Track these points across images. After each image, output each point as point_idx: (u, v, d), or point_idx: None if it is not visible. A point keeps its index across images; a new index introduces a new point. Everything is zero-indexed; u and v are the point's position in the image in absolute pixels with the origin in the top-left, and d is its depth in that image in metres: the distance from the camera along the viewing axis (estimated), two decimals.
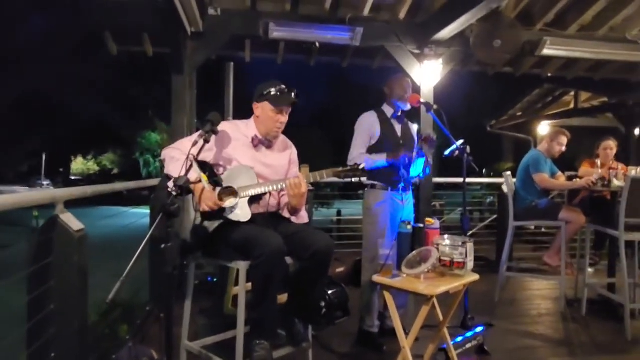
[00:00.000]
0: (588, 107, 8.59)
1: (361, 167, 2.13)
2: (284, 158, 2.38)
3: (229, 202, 2.07)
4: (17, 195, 1.64)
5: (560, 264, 3.53)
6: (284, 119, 2.26)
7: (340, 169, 2.15)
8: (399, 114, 2.88)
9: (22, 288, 1.73)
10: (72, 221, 1.75)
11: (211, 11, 3.95)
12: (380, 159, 2.70)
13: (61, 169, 36.08)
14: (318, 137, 25.62)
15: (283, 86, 2.25)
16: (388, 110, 2.89)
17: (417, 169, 2.84)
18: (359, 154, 2.74)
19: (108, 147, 33.02)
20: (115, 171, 34.05)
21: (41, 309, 1.66)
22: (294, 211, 2.28)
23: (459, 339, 2.57)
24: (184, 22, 3.62)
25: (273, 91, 2.23)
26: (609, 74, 5.71)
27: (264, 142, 2.29)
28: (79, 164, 36.32)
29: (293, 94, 2.25)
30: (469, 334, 2.66)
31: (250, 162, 2.21)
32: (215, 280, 3.82)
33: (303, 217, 2.35)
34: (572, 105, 8.73)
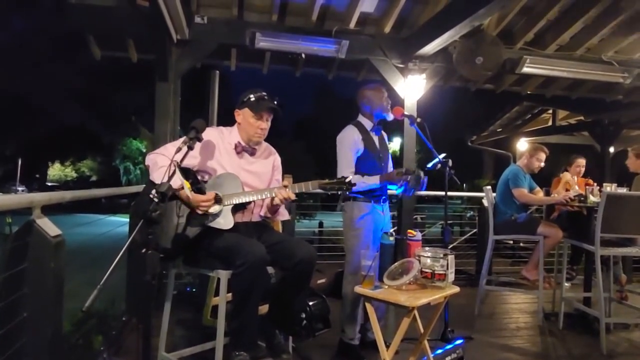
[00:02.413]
0: (565, 125, 8.85)
1: (347, 180, 2.13)
2: (267, 165, 2.38)
3: (212, 209, 2.05)
4: None
5: (538, 278, 3.58)
6: (265, 125, 2.27)
7: (326, 180, 2.15)
8: (377, 125, 2.87)
9: None
10: (49, 226, 1.70)
11: (198, 19, 3.94)
12: (374, 182, 2.67)
13: (37, 175, 35.16)
14: (301, 147, 25.66)
15: (263, 93, 2.28)
16: (366, 122, 2.85)
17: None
18: (349, 174, 2.65)
19: (87, 154, 32.33)
20: (94, 178, 33.34)
21: (13, 317, 1.60)
22: (275, 210, 2.28)
23: (439, 351, 2.57)
24: (170, 29, 3.61)
25: (252, 97, 2.26)
26: (585, 93, 5.90)
27: (247, 149, 2.29)
28: (56, 170, 35.42)
29: (273, 101, 2.26)
30: (448, 347, 2.66)
31: (233, 169, 2.20)
32: (194, 290, 3.76)
33: (284, 214, 2.38)
34: (550, 123, 8.98)
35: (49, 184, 33.88)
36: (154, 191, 1.65)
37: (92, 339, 2.73)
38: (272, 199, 2.16)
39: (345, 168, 2.72)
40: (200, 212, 2.02)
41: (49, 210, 1.83)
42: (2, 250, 1.69)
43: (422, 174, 2.68)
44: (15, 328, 1.60)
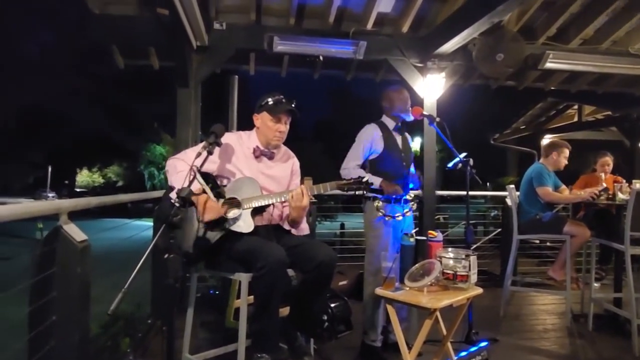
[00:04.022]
0: (592, 120, 8.60)
1: (365, 179, 2.13)
2: (285, 169, 2.39)
3: (232, 213, 2.08)
4: (22, 205, 1.64)
5: (565, 278, 3.49)
6: (283, 128, 2.28)
7: (344, 181, 2.16)
8: (400, 125, 2.89)
9: (24, 299, 1.72)
10: (75, 232, 1.75)
11: (216, 25, 4.00)
12: (375, 182, 2.69)
13: (66, 181, 36.27)
14: (320, 149, 25.68)
15: (281, 96, 2.29)
16: (389, 122, 2.89)
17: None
18: (353, 166, 2.74)
19: (113, 160, 33.19)
20: (120, 183, 34.18)
21: (43, 320, 1.65)
22: (294, 223, 2.27)
23: (463, 354, 2.53)
24: (190, 36, 3.67)
25: (270, 101, 2.27)
26: (612, 87, 5.72)
27: (265, 153, 2.30)
28: (84, 176, 36.48)
29: (291, 103, 2.27)
30: (473, 349, 2.62)
31: (252, 173, 2.22)
32: (217, 293, 3.81)
33: (303, 229, 2.36)
34: (575, 119, 8.74)
35: (78, 189, 34.91)
36: (174, 196, 1.68)
37: (120, 341, 2.79)
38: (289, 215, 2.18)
39: (351, 160, 2.77)
40: (204, 219, 2.00)
41: (77, 215, 1.88)
42: (32, 255, 1.75)
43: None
44: (45, 331, 1.65)
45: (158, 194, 3.70)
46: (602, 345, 3.14)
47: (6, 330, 1.75)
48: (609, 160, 4.28)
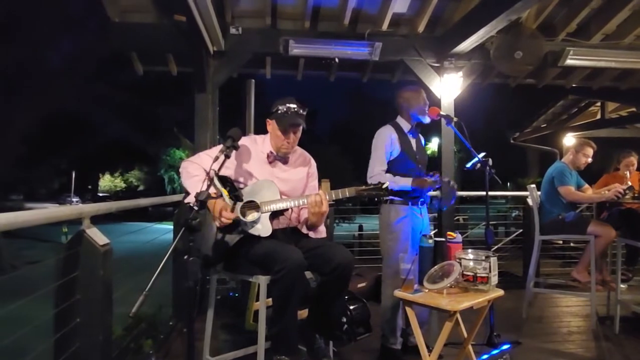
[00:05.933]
0: (616, 117, 8.37)
1: (385, 186, 2.11)
2: (301, 173, 2.38)
3: (250, 217, 2.09)
4: (47, 211, 1.69)
5: (590, 279, 3.40)
6: (292, 138, 2.25)
7: (363, 187, 2.14)
8: (414, 128, 2.85)
9: (50, 302, 1.77)
10: (97, 236, 1.79)
11: (232, 30, 4.05)
12: (405, 184, 2.65)
13: (90, 186, 37.12)
14: (338, 151, 25.66)
15: (292, 105, 2.22)
16: (404, 124, 2.83)
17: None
18: (379, 172, 2.69)
19: (134, 164, 33.81)
20: (141, 188, 34.83)
21: (67, 322, 1.69)
22: (312, 227, 2.27)
23: (485, 357, 2.50)
24: (207, 41, 3.72)
25: (280, 110, 2.22)
26: (636, 83, 5.56)
27: (279, 158, 2.30)
28: (106, 181, 37.32)
29: (301, 111, 2.22)
30: (495, 352, 2.59)
31: (265, 177, 2.22)
32: (237, 295, 3.84)
33: (321, 232, 2.34)
34: (598, 116, 8.53)
35: (100, 194, 35.70)
36: (193, 199, 1.70)
37: (142, 342, 2.84)
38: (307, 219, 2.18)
39: (376, 165, 2.72)
40: (217, 224, 2.02)
41: (101, 219, 1.92)
42: (56, 259, 1.79)
43: (455, 185, 2.70)
44: (69, 333, 1.69)
45: (177, 197, 3.77)
46: (629, 348, 3.05)
47: (33, 332, 1.79)
48: (633, 160, 4.14)
